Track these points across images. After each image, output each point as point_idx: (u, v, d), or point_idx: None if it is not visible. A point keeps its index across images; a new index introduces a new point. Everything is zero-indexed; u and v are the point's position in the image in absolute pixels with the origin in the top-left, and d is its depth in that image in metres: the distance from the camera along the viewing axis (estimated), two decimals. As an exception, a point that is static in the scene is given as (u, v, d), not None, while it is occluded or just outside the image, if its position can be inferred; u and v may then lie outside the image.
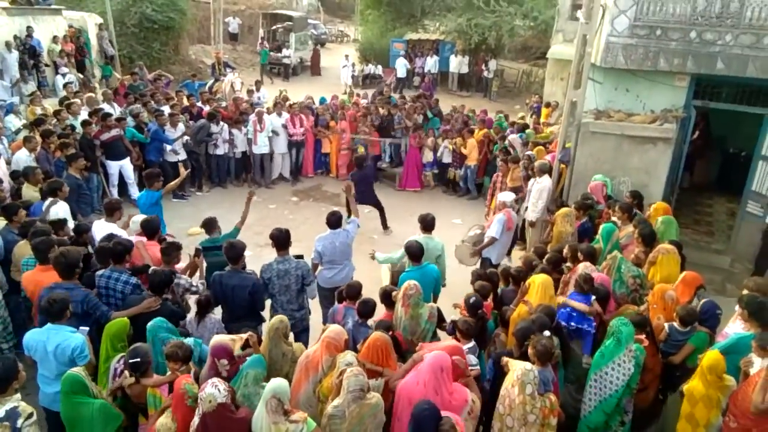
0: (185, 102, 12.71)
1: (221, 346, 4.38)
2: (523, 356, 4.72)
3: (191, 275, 6.04)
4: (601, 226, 7.16)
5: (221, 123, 11.84)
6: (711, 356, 4.62)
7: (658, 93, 8.75)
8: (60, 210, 6.98)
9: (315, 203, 12.03)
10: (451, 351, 4.51)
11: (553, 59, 17.46)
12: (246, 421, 3.85)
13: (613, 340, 4.87)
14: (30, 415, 3.71)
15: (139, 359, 4.16)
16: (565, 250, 6.50)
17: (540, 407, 4.16)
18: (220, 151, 12.05)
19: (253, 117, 12.08)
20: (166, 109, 11.80)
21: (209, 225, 6.71)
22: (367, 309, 5.32)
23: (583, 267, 6.00)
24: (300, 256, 6.25)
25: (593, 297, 5.42)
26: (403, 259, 6.65)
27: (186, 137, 11.25)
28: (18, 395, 3.83)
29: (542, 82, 20.63)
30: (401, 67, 24.13)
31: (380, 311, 5.62)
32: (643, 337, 5.12)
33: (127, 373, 4.32)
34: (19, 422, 3.64)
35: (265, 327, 5.02)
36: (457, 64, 23.93)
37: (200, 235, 6.73)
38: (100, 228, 6.57)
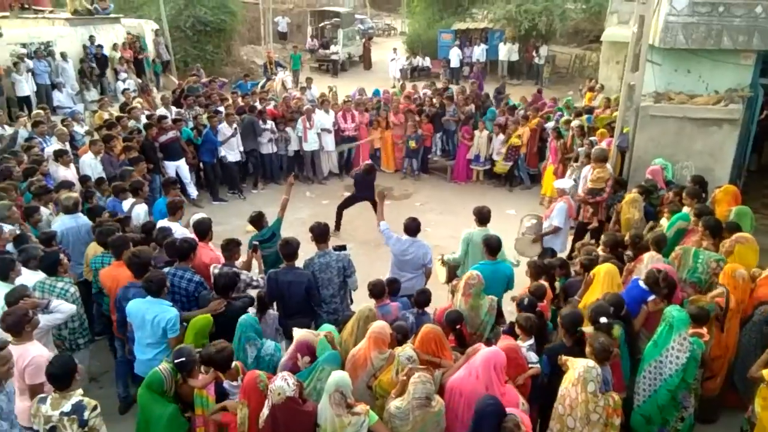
0: (240, 102, 12.99)
1: (306, 343, 4.46)
2: (577, 345, 4.63)
3: (247, 270, 6.16)
4: (674, 215, 6.85)
5: (269, 121, 12.04)
6: None
7: (722, 72, 8.36)
8: (141, 210, 7.36)
9: (367, 198, 12.07)
10: (505, 351, 4.46)
11: (607, 42, 16.97)
12: (313, 414, 3.92)
13: (665, 326, 4.72)
14: (95, 408, 3.88)
15: (184, 359, 4.23)
16: (626, 237, 6.29)
17: (603, 406, 4.04)
18: (270, 149, 12.26)
19: (302, 116, 12.23)
20: (222, 110, 12.12)
21: (257, 220, 6.82)
22: (424, 298, 5.36)
23: (649, 257, 5.80)
24: (342, 247, 6.26)
25: (651, 297, 5.24)
26: (463, 255, 6.60)
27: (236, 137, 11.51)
28: (80, 390, 4.01)
29: (596, 67, 20.05)
30: (455, 57, 23.82)
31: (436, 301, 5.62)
32: (704, 331, 4.92)
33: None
34: (86, 414, 3.81)
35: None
36: (507, 51, 23.52)
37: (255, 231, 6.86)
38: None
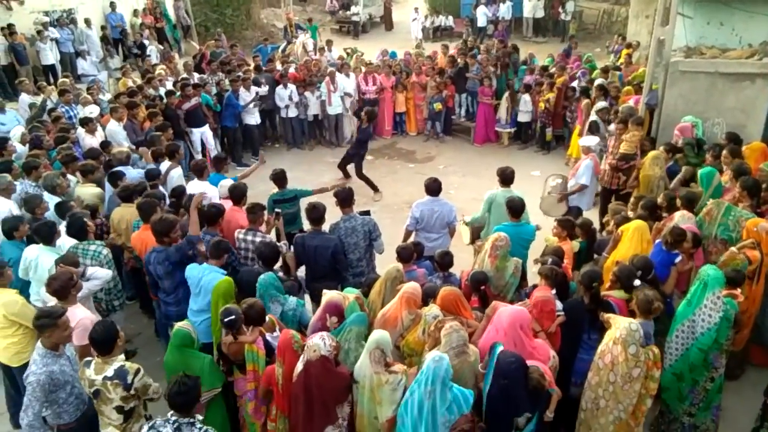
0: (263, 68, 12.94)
1: (334, 304, 4.53)
2: (593, 301, 4.65)
3: (268, 233, 6.22)
4: (699, 171, 6.69)
5: (289, 85, 12.00)
6: None
7: (757, 24, 8.04)
8: (176, 174, 7.55)
9: (389, 161, 12.08)
10: (542, 301, 4.53)
11: (636, -5, 16.38)
12: (346, 376, 4.01)
13: (700, 284, 4.67)
14: (137, 371, 4.01)
15: (234, 317, 4.31)
16: (660, 199, 6.19)
17: (644, 360, 4.08)
18: (292, 113, 12.25)
19: (326, 78, 12.16)
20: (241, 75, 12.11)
21: (279, 178, 6.86)
22: (448, 260, 5.40)
23: (680, 216, 5.71)
24: (366, 212, 6.26)
25: (679, 258, 5.18)
26: (484, 215, 6.59)
27: (256, 102, 11.57)
28: (122, 355, 4.15)
29: (625, 22, 19.40)
30: (482, 15, 23.11)
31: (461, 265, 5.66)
32: (737, 292, 4.87)
33: (224, 332, 4.48)
34: (129, 378, 3.95)
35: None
36: (532, 8, 22.81)
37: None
38: (195, 188, 6.97)
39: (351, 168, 10.34)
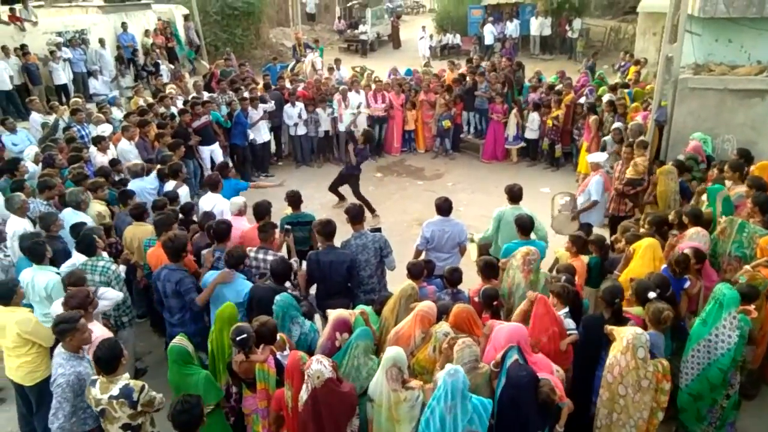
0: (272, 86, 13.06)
1: (343, 320, 4.52)
2: (615, 317, 4.62)
3: (278, 250, 6.21)
4: (706, 189, 6.67)
5: (297, 103, 12.07)
6: None
7: (766, 42, 8.06)
8: (182, 192, 7.59)
9: (398, 178, 12.10)
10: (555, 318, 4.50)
11: (644, 13, 16.49)
12: (352, 394, 3.97)
13: (715, 304, 4.63)
14: (142, 388, 4.00)
15: (245, 335, 4.28)
16: (671, 216, 6.17)
17: (653, 372, 4.05)
18: (301, 131, 12.31)
19: (337, 95, 12.27)
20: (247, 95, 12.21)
21: (294, 201, 6.87)
22: (457, 276, 5.40)
23: (695, 232, 5.68)
24: (377, 229, 6.24)
25: (687, 283, 5.14)
26: (494, 233, 6.57)
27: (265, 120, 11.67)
28: (126, 374, 4.15)
29: (632, 39, 19.50)
30: (489, 33, 23.28)
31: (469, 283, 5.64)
32: (751, 308, 4.82)
33: (235, 350, 4.47)
34: (135, 396, 3.93)
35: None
36: (539, 26, 22.97)
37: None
38: (208, 201, 7.12)
39: (344, 189, 10.24)
